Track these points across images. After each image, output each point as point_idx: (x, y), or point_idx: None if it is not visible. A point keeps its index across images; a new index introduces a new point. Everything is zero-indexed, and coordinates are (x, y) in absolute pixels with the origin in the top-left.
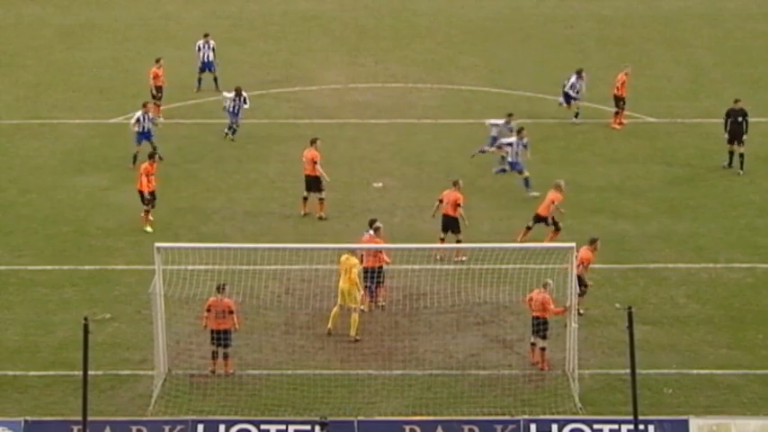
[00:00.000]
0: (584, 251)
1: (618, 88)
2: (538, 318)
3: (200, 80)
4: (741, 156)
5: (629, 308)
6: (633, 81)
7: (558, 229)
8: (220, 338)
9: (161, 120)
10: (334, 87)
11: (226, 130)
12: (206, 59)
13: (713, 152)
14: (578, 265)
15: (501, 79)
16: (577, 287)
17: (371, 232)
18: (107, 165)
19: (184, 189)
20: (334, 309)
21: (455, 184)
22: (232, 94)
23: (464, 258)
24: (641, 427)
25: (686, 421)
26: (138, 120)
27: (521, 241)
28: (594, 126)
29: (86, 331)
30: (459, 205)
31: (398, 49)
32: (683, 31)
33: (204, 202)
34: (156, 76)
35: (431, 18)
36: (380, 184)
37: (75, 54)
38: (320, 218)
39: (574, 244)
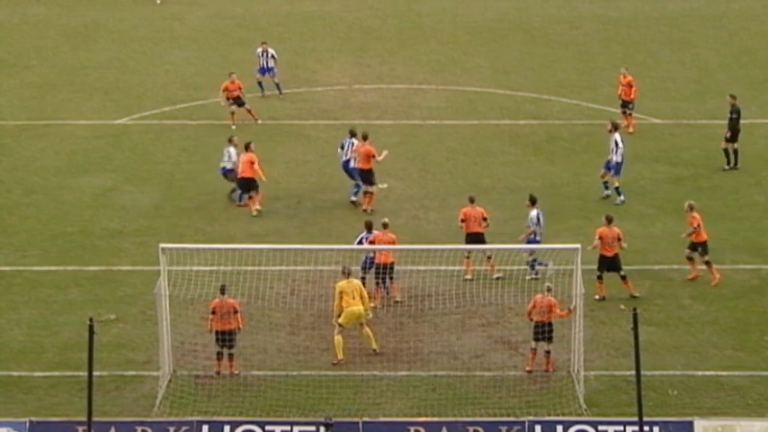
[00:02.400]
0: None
1: (624, 91)
2: (542, 322)
3: (260, 83)
4: (735, 152)
5: (634, 309)
6: (638, 82)
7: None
8: (225, 339)
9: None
10: (339, 88)
11: (355, 198)
12: (265, 66)
13: (718, 153)
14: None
15: (506, 80)
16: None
17: (375, 231)
18: (112, 165)
19: (189, 190)
20: (338, 337)
21: (472, 200)
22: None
23: (499, 275)
24: (646, 428)
25: (691, 423)
26: (228, 157)
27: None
28: (599, 127)
29: (91, 332)
30: (485, 219)
31: (403, 50)
32: (689, 32)
33: (209, 202)
34: (226, 89)
35: (436, 19)
36: (385, 185)
37: (80, 55)
38: (365, 210)
39: (579, 245)
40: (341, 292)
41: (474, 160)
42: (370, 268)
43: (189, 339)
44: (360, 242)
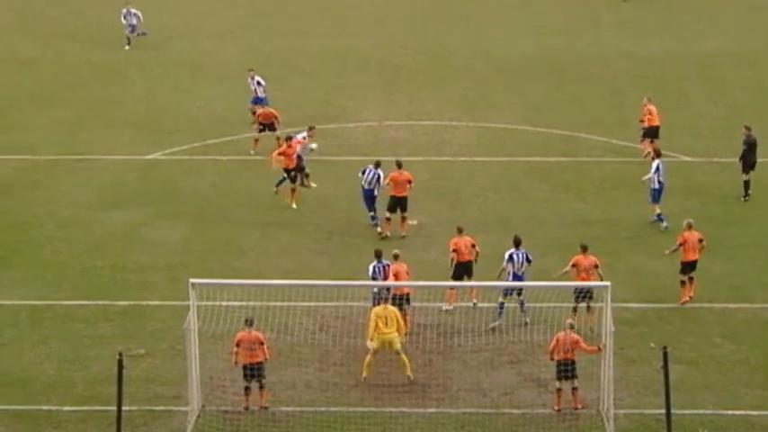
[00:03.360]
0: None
1: (648, 119)
2: (565, 360)
3: (254, 113)
4: (746, 183)
5: (665, 347)
6: (669, 119)
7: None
8: (254, 372)
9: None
10: (370, 124)
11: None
12: (257, 95)
13: None
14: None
15: (536, 117)
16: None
17: (385, 260)
18: (143, 200)
19: (219, 225)
20: (369, 357)
21: (461, 231)
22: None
23: (475, 301)
24: None
25: None
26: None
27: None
28: (629, 164)
29: (121, 366)
30: (474, 246)
31: (433, 87)
32: (719, 70)
33: (239, 238)
34: (259, 116)
35: (466, 56)
36: (415, 222)
37: (111, 90)
38: (403, 237)
39: (609, 283)
40: (375, 317)
41: (504, 197)
42: (384, 300)
43: (218, 374)
44: (374, 271)
